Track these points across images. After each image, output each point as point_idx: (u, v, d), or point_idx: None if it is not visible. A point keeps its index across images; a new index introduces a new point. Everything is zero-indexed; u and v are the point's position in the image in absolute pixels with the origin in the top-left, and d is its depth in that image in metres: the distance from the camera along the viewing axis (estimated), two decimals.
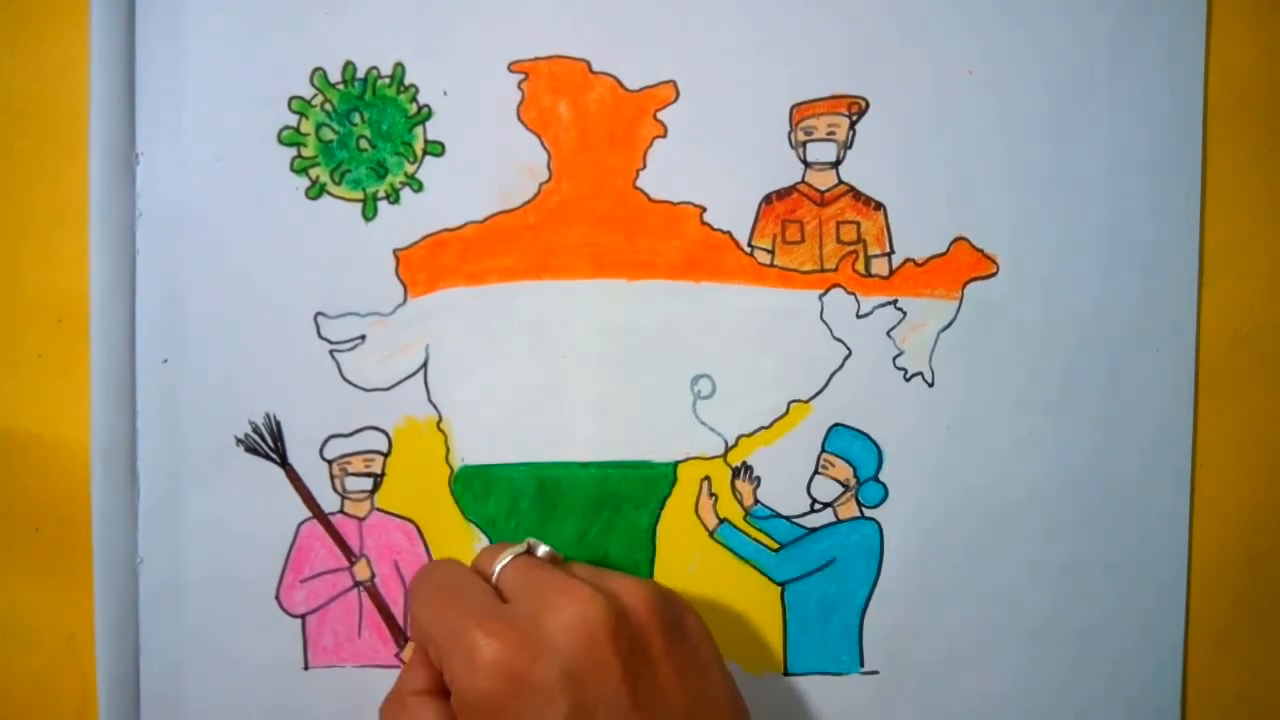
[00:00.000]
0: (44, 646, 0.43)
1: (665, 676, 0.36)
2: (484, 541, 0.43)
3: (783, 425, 0.43)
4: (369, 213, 0.43)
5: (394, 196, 0.43)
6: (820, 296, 0.43)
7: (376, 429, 0.43)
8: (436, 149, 0.43)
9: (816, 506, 0.43)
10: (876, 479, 0.43)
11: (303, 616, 0.43)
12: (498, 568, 0.38)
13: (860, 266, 0.43)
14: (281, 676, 0.43)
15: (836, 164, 0.43)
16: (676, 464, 0.43)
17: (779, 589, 0.43)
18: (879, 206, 0.43)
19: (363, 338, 0.43)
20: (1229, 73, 0.43)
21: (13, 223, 0.43)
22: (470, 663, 0.34)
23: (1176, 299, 0.43)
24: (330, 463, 0.43)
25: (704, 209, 0.43)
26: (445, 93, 0.43)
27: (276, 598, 0.43)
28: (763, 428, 0.43)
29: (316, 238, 0.42)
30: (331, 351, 0.43)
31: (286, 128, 0.42)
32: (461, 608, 0.36)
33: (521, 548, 0.39)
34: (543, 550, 0.39)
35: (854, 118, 0.43)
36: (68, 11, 0.42)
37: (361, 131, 0.42)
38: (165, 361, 0.42)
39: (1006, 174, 0.43)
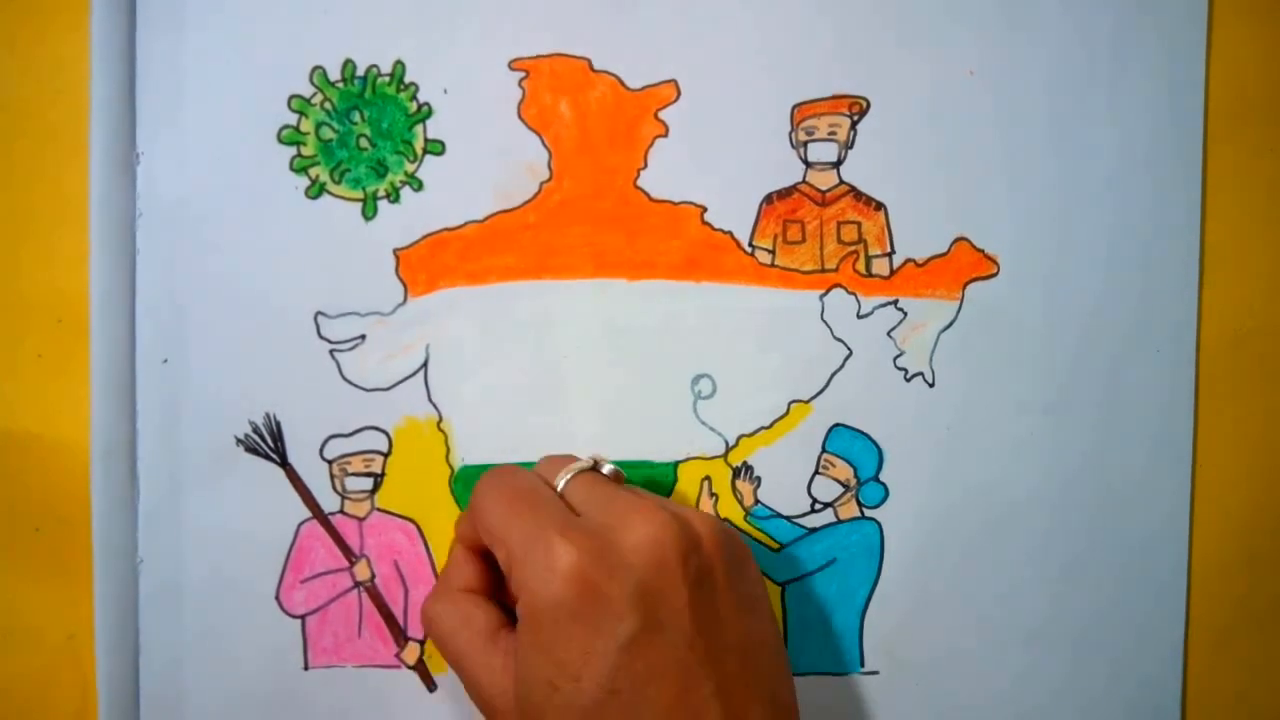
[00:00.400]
0: (44, 646, 0.43)
1: (725, 608, 0.36)
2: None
3: (783, 425, 0.43)
4: (369, 212, 0.42)
5: (394, 195, 0.43)
6: (821, 296, 0.43)
7: (377, 429, 0.43)
8: (437, 148, 0.43)
9: (817, 506, 0.43)
10: (877, 479, 0.43)
11: (303, 617, 0.43)
12: (563, 480, 0.38)
13: (861, 267, 0.43)
14: (281, 676, 0.43)
15: (837, 164, 0.43)
16: (677, 464, 0.43)
17: (779, 589, 0.43)
18: (880, 206, 0.43)
19: (363, 337, 0.43)
20: (1230, 73, 0.43)
21: (13, 223, 0.42)
22: (549, 569, 0.34)
23: (1177, 299, 0.43)
24: (330, 463, 0.43)
25: (705, 209, 0.43)
26: (445, 91, 0.43)
27: (276, 598, 0.43)
28: (763, 428, 0.43)
29: (316, 237, 0.42)
30: (331, 351, 0.43)
31: (286, 126, 0.42)
32: (538, 514, 0.36)
33: (587, 462, 0.39)
34: (608, 468, 0.39)
35: (855, 118, 0.43)
36: (68, 11, 0.42)
37: (361, 130, 0.42)
38: (165, 361, 0.42)
39: (1007, 174, 0.43)
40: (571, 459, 0.39)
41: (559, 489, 0.38)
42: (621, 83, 0.43)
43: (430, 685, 0.43)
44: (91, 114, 0.41)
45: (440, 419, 0.43)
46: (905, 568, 0.43)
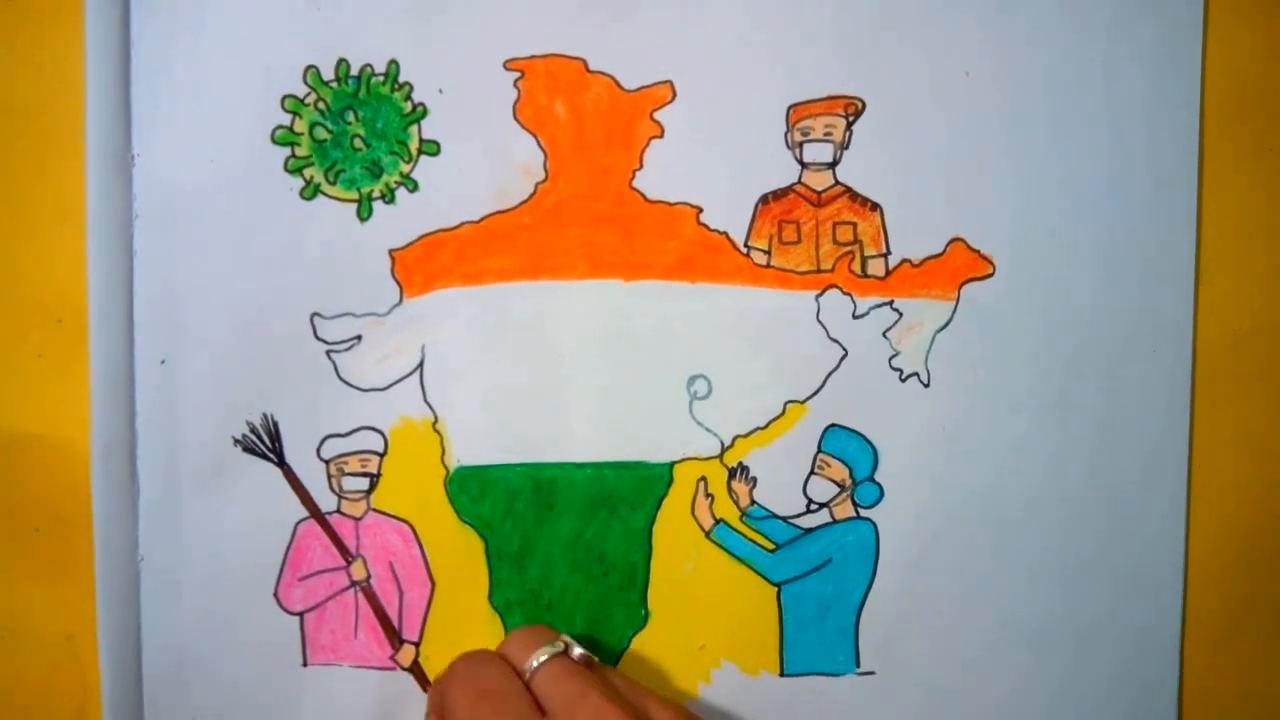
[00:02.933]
0: (44, 646, 0.43)
1: None
2: (479, 544, 0.43)
3: (779, 426, 0.43)
4: (364, 213, 0.42)
5: (389, 196, 0.42)
6: (816, 297, 0.43)
7: (373, 429, 0.43)
8: (432, 148, 0.42)
9: (812, 507, 0.43)
10: (872, 479, 0.43)
11: (300, 614, 0.43)
12: (532, 666, 0.38)
13: (856, 267, 0.43)
14: (281, 673, 0.43)
15: (833, 165, 0.43)
16: (672, 464, 0.43)
17: (775, 589, 0.43)
18: (875, 207, 0.43)
19: (359, 338, 0.43)
20: (1227, 72, 0.43)
21: (13, 224, 0.43)
22: None
23: (1174, 300, 0.43)
24: (327, 463, 0.43)
25: (700, 209, 0.43)
26: (440, 91, 0.42)
27: (275, 595, 0.43)
28: (759, 428, 0.43)
29: (312, 238, 0.42)
30: (328, 352, 0.43)
31: (280, 127, 0.42)
32: (503, 717, 0.36)
33: (559, 647, 0.38)
34: (578, 652, 0.39)
35: (851, 118, 0.42)
36: (63, 13, 0.42)
37: (356, 130, 0.42)
38: (163, 362, 0.42)
39: (1003, 175, 0.43)
40: (542, 636, 0.39)
41: (528, 673, 0.38)
42: (617, 83, 0.42)
43: (426, 686, 0.43)
44: (87, 116, 0.41)
45: (436, 420, 0.43)
46: (901, 568, 0.43)
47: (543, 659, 0.38)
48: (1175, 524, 0.43)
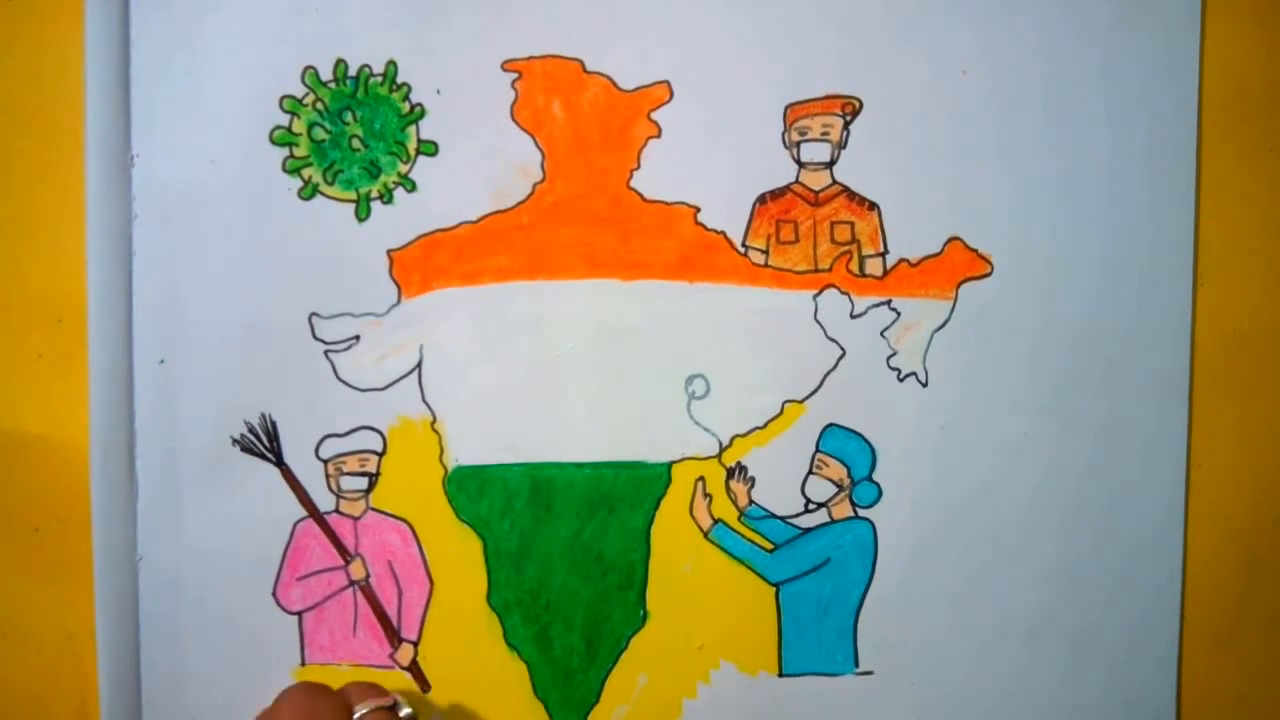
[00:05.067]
0: (44, 646, 0.43)
1: None
2: (478, 543, 0.43)
3: (777, 425, 0.43)
4: (362, 213, 0.43)
5: (387, 196, 0.43)
6: (814, 297, 0.43)
7: (371, 429, 0.43)
8: (430, 148, 0.43)
9: (811, 507, 0.43)
10: (870, 479, 0.43)
11: (299, 614, 0.43)
12: (360, 712, 0.39)
13: (854, 267, 0.43)
14: (279, 673, 0.43)
15: (830, 164, 0.43)
16: (671, 464, 0.43)
17: (774, 589, 0.43)
18: (873, 207, 0.43)
19: (357, 338, 0.43)
20: (1224, 72, 0.43)
21: (13, 224, 0.43)
22: None
23: (1172, 300, 0.43)
24: (326, 462, 0.43)
25: (698, 209, 0.43)
26: (438, 92, 0.42)
27: (274, 595, 0.43)
28: (757, 428, 0.43)
29: (310, 238, 0.42)
30: (326, 352, 0.43)
31: (279, 127, 0.42)
32: None
33: (387, 701, 0.39)
34: (405, 712, 0.39)
35: (848, 118, 0.42)
36: (63, 14, 0.42)
37: (354, 131, 0.42)
38: (162, 362, 0.42)
39: (1001, 174, 0.43)
40: (376, 693, 0.40)
41: (355, 716, 0.39)
42: (614, 84, 0.42)
43: (424, 686, 0.43)
44: (87, 116, 0.41)
45: (434, 419, 0.43)
46: (899, 568, 0.43)
47: (367, 710, 0.39)
48: (1173, 523, 0.43)
